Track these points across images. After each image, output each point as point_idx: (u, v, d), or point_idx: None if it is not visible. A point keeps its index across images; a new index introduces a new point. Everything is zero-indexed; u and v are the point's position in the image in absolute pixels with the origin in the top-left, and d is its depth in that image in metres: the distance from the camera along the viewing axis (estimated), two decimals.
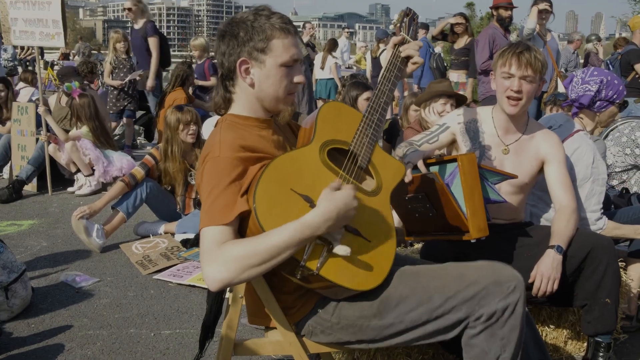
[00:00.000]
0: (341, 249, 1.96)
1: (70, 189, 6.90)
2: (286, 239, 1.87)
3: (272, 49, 2.09)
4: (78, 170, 6.87)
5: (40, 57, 13.49)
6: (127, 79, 8.85)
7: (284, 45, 2.11)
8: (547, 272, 2.72)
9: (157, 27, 9.37)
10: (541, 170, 3.11)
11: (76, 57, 19.75)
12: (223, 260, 1.87)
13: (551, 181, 3.05)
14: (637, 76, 7.87)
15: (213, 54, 2.31)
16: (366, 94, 5.53)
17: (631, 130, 4.64)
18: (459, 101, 4.93)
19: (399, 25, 2.51)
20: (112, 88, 8.99)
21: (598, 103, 3.58)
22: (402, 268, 2.21)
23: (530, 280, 2.75)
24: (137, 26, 9.06)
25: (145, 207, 5.36)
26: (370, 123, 2.26)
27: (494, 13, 7.61)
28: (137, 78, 8.96)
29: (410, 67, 2.45)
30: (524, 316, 2.08)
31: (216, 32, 2.25)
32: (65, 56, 19.97)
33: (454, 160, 2.66)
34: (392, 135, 6.20)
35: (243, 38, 2.09)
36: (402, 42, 2.45)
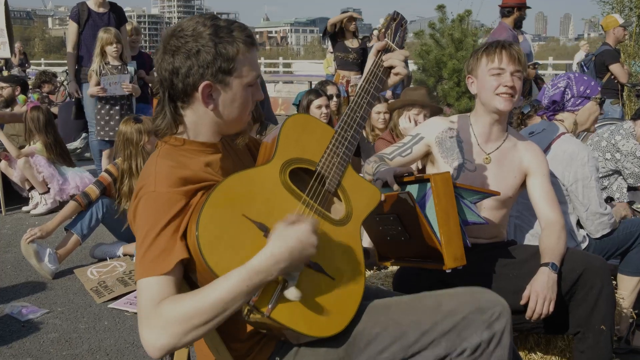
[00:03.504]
0: (291, 293, 1.68)
1: (25, 208, 6.51)
2: (232, 290, 1.59)
3: (238, 69, 1.80)
4: (32, 188, 6.48)
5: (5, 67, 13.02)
6: (124, 90, 6.49)
7: (249, 62, 1.83)
8: (542, 291, 2.47)
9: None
10: (524, 184, 2.85)
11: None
12: (163, 323, 1.59)
13: (536, 196, 2.80)
14: (612, 77, 7.71)
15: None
16: (318, 101, 5.25)
17: (610, 134, 4.44)
18: (432, 112, 4.66)
19: (384, 30, 2.23)
20: (102, 104, 6.56)
21: (572, 100, 3.40)
22: (372, 303, 1.95)
23: (523, 302, 2.51)
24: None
25: (102, 228, 5.01)
26: (342, 140, 1.97)
27: (516, 13, 7.17)
28: (129, 90, 6.54)
29: (392, 79, 2.17)
30: (511, 346, 1.87)
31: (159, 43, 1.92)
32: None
33: (427, 179, 2.37)
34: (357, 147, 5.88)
35: (205, 58, 1.77)
36: (387, 50, 2.18)
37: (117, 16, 7.14)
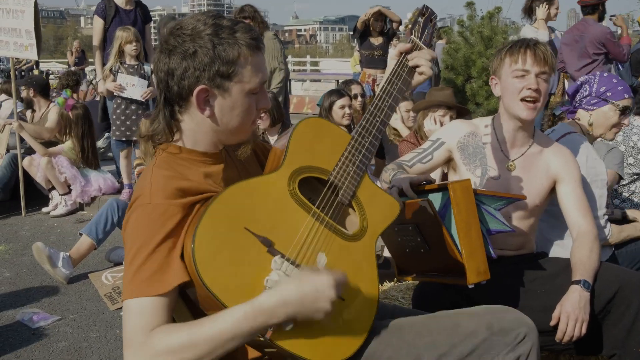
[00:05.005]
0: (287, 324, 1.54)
1: (44, 209, 6.46)
2: (233, 328, 1.47)
3: (238, 74, 1.65)
4: (53, 188, 6.42)
5: (35, 67, 13.05)
6: (140, 96, 6.30)
7: (253, 67, 1.67)
8: (574, 312, 2.27)
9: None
10: (552, 190, 2.66)
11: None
12: (152, 354, 1.47)
13: (566, 203, 2.60)
14: None
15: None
16: (341, 101, 5.11)
17: (625, 137, 4.19)
18: (459, 113, 4.46)
19: (410, 26, 2.04)
20: (117, 103, 6.32)
21: (588, 98, 3.13)
22: (384, 323, 1.81)
23: (552, 322, 2.31)
24: None
25: (118, 231, 4.90)
26: (359, 147, 1.81)
27: (600, 8, 6.92)
28: (147, 96, 6.32)
29: (416, 79, 1.99)
30: None
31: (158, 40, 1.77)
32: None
33: (446, 188, 2.20)
34: (380, 148, 5.68)
35: (202, 60, 1.62)
36: (412, 49, 1.99)
37: (143, 13, 6.97)
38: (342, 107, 5.12)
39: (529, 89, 2.46)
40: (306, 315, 1.53)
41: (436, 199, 2.24)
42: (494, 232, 2.30)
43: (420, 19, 2.06)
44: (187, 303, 1.69)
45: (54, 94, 9.32)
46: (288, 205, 1.67)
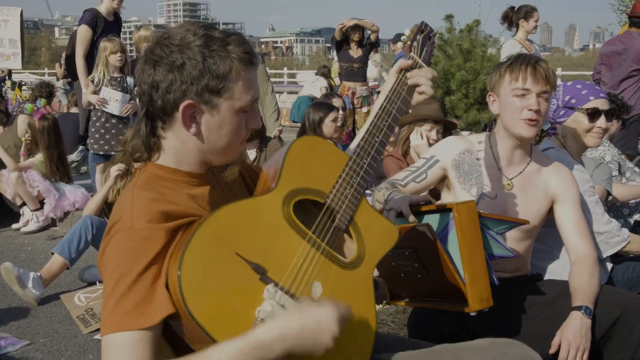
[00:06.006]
0: None
1: (14, 226, 6.21)
2: None
3: (229, 90, 1.52)
4: (24, 204, 6.18)
5: (8, 77, 12.78)
6: (121, 112, 6.14)
7: (245, 83, 1.54)
8: (575, 340, 2.16)
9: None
10: (550, 210, 2.55)
11: None
12: None
13: (565, 225, 2.50)
14: None
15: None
16: (333, 114, 5.05)
17: (604, 153, 4.10)
18: (446, 127, 4.35)
19: (409, 43, 1.94)
20: (97, 116, 6.18)
21: (557, 110, 3.02)
22: (380, 357, 1.70)
23: (552, 350, 2.21)
24: None
25: (92, 249, 4.70)
26: (357, 169, 1.70)
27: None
28: (127, 112, 6.19)
29: (416, 98, 1.90)
30: None
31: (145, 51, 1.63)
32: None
33: (448, 209, 2.08)
34: None
35: (191, 73, 1.49)
36: (412, 67, 1.90)
37: (118, 25, 6.90)
38: (334, 119, 5.11)
39: (530, 110, 2.35)
40: (305, 350, 1.40)
41: (434, 220, 2.13)
42: (497, 257, 2.19)
43: (419, 36, 1.96)
44: (169, 336, 1.54)
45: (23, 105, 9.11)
46: (282, 230, 1.55)
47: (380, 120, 1.78)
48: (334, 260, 1.60)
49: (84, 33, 6.61)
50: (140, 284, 1.40)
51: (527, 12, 6.97)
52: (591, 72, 7.91)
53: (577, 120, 2.97)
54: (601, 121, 2.94)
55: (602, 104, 2.96)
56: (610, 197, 4.03)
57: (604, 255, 2.87)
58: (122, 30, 7.04)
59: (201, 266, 1.39)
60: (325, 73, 12.32)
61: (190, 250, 1.39)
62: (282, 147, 1.72)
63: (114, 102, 6.06)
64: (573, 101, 2.98)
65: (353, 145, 1.98)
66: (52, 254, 4.39)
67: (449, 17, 9.94)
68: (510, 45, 6.86)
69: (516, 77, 2.38)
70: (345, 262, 1.63)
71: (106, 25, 6.64)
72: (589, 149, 3.29)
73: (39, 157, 6.13)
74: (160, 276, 1.43)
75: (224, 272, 1.42)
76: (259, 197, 1.58)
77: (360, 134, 1.87)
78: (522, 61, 2.40)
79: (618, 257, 3.04)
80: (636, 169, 4.39)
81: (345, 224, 1.66)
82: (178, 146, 1.60)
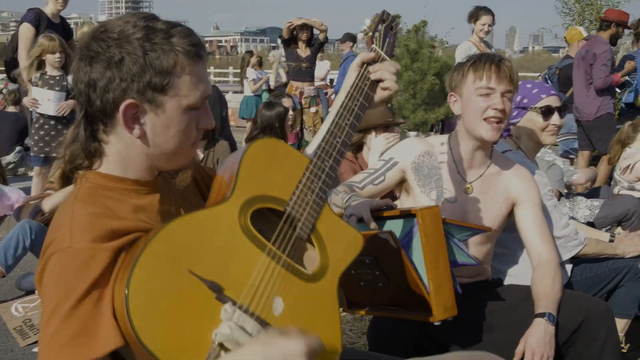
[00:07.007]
0: None
1: None
2: None
3: (174, 86, 1.38)
4: None
5: None
6: (56, 111, 5.75)
7: (193, 78, 1.40)
8: (539, 348, 2.12)
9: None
10: (511, 213, 2.50)
11: None
12: None
13: (527, 228, 2.45)
14: None
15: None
16: (290, 112, 5.01)
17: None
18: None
19: (371, 34, 1.82)
20: (37, 117, 5.86)
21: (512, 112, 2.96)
22: None
23: (516, 359, 2.15)
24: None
25: (31, 256, 4.46)
26: (318, 173, 1.58)
27: (613, 29, 6.98)
28: (63, 111, 5.79)
29: (380, 94, 1.78)
30: None
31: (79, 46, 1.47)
32: None
33: (412, 215, 1.99)
34: None
35: (130, 69, 1.35)
36: (375, 60, 1.78)
37: (65, 31, 6.57)
38: (291, 116, 5.23)
39: (495, 109, 2.29)
40: None
41: (397, 226, 2.04)
42: (460, 264, 2.11)
43: (380, 26, 1.84)
44: None
45: None
46: (239, 243, 1.42)
47: (342, 118, 1.67)
48: (296, 272, 1.49)
49: (26, 31, 6.29)
50: (81, 311, 1.25)
51: (472, 15, 7.05)
52: (532, 74, 8.08)
53: (531, 120, 2.96)
54: (555, 118, 2.94)
55: (553, 101, 2.96)
56: (561, 199, 4.05)
57: (562, 259, 2.85)
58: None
59: (151, 286, 1.26)
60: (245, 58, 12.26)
61: (139, 268, 1.25)
62: (237, 150, 1.59)
63: (47, 101, 5.73)
64: (525, 101, 2.96)
65: (312, 147, 1.86)
66: None
67: (396, 18, 9.95)
68: (465, 47, 6.89)
69: (480, 76, 2.32)
70: (308, 274, 1.52)
71: (50, 27, 6.33)
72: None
73: None
74: (105, 301, 1.28)
75: (176, 291, 1.29)
76: (213, 208, 1.45)
77: (319, 135, 1.76)
78: (486, 60, 2.34)
79: (575, 259, 3.04)
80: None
81: (307, 232, 1.54)
82: (122, 151, 1.46)
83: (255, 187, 1.50)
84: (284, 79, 11.60)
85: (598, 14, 10.05)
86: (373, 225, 2.01)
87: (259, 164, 1.53)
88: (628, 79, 7.02)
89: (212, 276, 1.33)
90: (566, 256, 2.84)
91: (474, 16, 7.03)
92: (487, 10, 7.00)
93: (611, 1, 10.62)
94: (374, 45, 1.80)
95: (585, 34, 7.65)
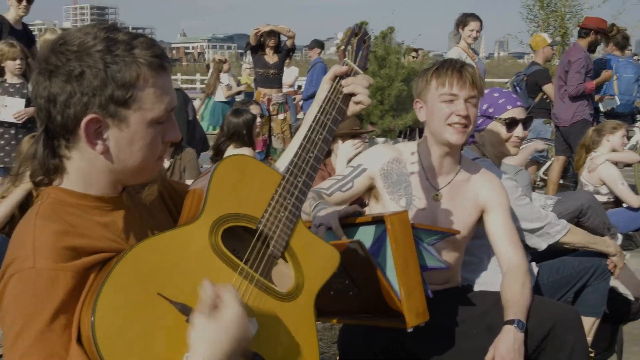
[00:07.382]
0: None
1: None
2: None
3: (138, 100, 1.34)
4: None
5: None
6: (14, 118, 5.54)
7: (157, 91, 1.36)
8: (508, 355, 2.12)
9: None
10: (480, 220, 2.49)
11: None
12: None
13: (496, 234, 2.45)
14: (544, 97, 7.62)
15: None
16: (257, 119, 4.96)
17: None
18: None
19: (343, 47, 1.80)
20: None
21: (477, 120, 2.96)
22: None
23: None
24: None
25: None
26: (291, 189, 1.55)
27: (592, 36, 7.01)
28: (21, 118, 5.56)
29: (352, 108, 1.76)
30: None
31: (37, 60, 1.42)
32: None
33: (381, 221, 1.97)
34: None
35: (91, 83, 1.30)
36: (347, 74, 1.76)
37: (28, 38, 6.46)
38: (258, 123, 5.16)
39: (459, 114, 2.28)
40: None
41: (367, 232, 2.02)
42: (430, 268, 2.10)
43: (353, 39, 1.82)
44: None
45: None
46: (210, 263, 1.38)
47: (314, 133, 1.64)
48: (270, 292, 1.46)
49: None
50: (46, 337, 1.21)
51: (460, 22, 7.14)
52: (498, 79, 8.17)
53: (495, 130, 2.94)
54: (518, 130, 2.92)
55: (518, 112, 2.94)
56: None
57: (545, 245, 2.90)
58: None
59: (119, 310, 1.22)
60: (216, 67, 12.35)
61: (105, 292, 1.21)
62: (208, 168, 1.55)
63: (4, 108, 5.54)
64: (491, 110, 2.95)
65: (283, 162, 1.83)
66: None
67: (363, 24, 9.95)
68: (455, 53, 6.93)
69: (443, 82, 2.32)
70: (282, 294, 1.48)
71: (12, 33, 6.19)
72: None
73: None
74: (71, 328, 1.24)
75: (146, 315, 1.25)
76: (182, 228, 1.41)
77: (291, 150, 1.73)
78: (448, 66, 2.33)
79: (541, 260, 3.06)
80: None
81: (281, 250, 1.51)
82: (85, 167, 1.41)
83: (226, 205, 1.47)
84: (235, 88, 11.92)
85: (562, 21, 10.29)
86: (340, 233, 1.99)
87: (229, 182, 1.49)
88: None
89: (183, 298, 1.29)
90: (550, 241, 2.88)
91: (462, 23, 7.10)
92: (475, 17, 7.09)
93: (574, 8, 10.89)
94: (346, 59, 1.78)
95: (549, 40, 7.75)
